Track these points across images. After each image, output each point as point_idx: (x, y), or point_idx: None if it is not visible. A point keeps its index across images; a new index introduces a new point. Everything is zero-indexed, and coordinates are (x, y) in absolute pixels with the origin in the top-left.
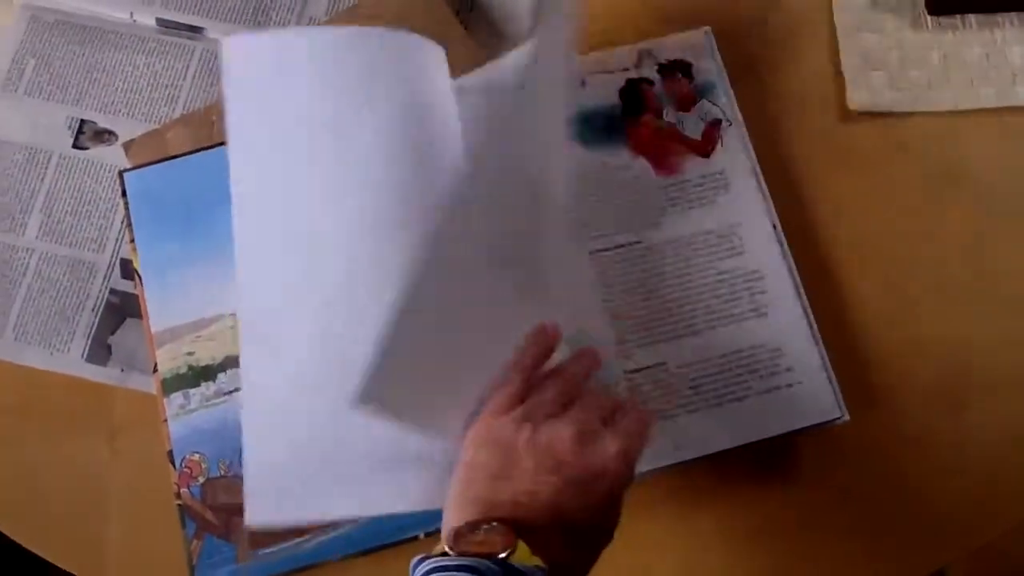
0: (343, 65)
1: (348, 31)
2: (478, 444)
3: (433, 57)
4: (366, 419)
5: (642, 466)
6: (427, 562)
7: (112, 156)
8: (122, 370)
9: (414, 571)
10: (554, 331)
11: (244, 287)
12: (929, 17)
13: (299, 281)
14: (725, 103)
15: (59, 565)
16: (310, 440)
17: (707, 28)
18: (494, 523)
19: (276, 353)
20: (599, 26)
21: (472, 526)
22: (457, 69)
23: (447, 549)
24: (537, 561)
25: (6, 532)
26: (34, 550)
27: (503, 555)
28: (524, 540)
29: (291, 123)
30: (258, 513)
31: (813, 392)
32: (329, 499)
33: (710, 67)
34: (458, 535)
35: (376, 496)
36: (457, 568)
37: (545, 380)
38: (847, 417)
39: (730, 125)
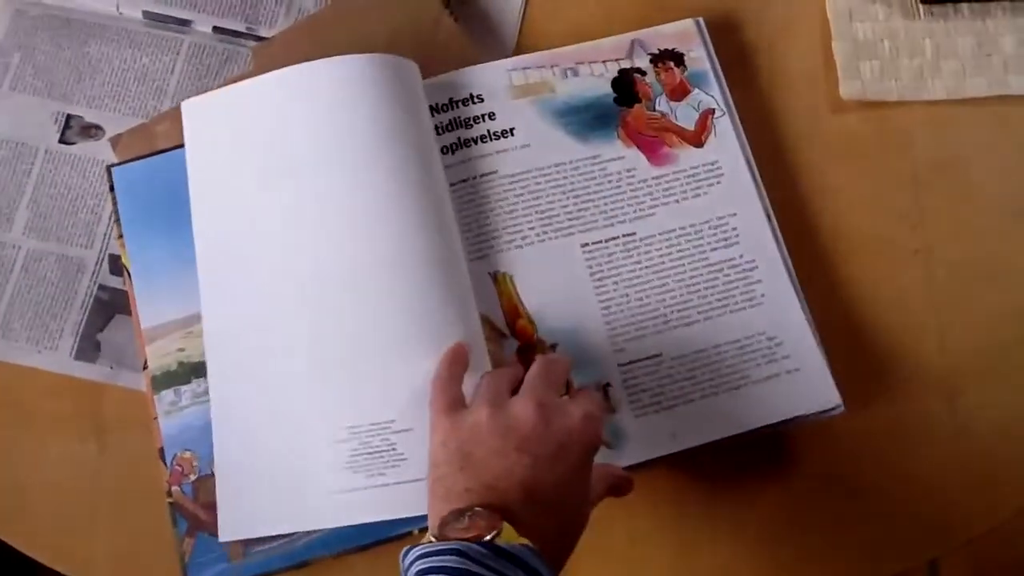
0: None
1: (298, 70)
2: (441, 438)
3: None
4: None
5: (640, 456)
6: (414, 551)
7: (99, 151)
8: (111, 367)
9: (403, 560)
10: (462, 348)
11: (206, 319)
12: (921, 6)
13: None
14: (717, 93)
15: (48, 565)
16: (278, 454)
17: (699, 17)
18: (477, 508)
19: (240, 371)
20: (591, 15)
21: (457, 514)
22: (446, 61)
23: (432, 539)
24: (524, 540)
25: None
26: (22, 550)
27: (489, 537)
28: (508, 521)
29: (250, 168)
30: (228, 530)
31: (809, 380)
32: (302, 514)
33: (702, 56)
34: (443, 523)
35: (349, 506)
36: (444, 552)
37: (489, 374)
38: (843, 407)
39: (723, 115)
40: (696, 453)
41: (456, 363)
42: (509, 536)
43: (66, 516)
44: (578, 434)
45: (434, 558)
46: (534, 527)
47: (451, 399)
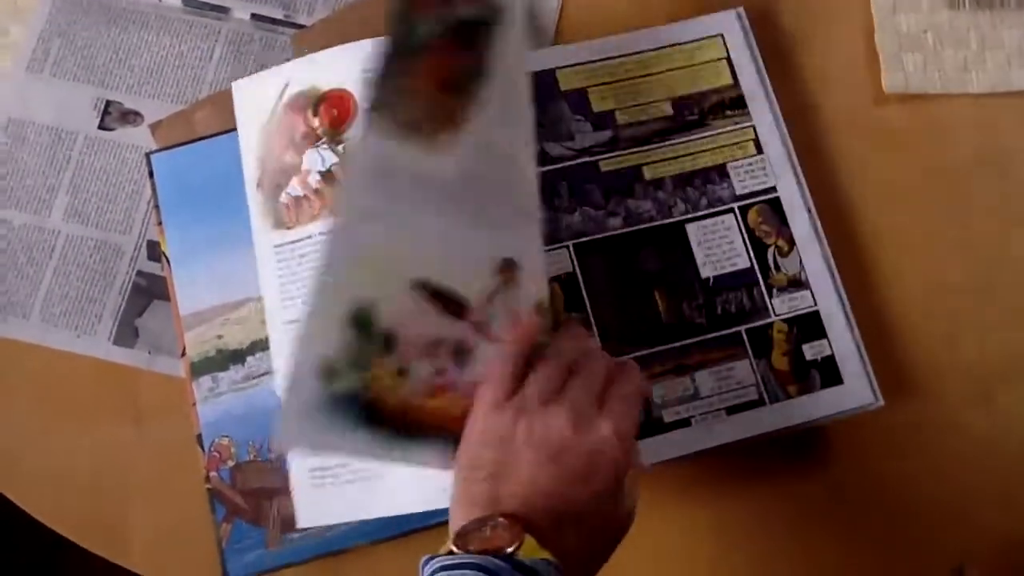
0: None
1: None
2: (475, 441)
3: None
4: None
5: (679, 450)
6: (433, 561)
7: (138, 137)
8: (149, 353)
9: (422, 570)
10: (530, 323)
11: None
12: None
13: None
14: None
15: (87, 547)
16: None
17: (739, 9)
18: (500, 518)
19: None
20: (629, 5)
21: (479, 523)
22: None
23: (453, 548)
24: (546, 554)
25: (33, 514)
26: (61, 532)
27: (510, 550)
28: (532, 534)
29: None
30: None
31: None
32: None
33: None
34: (464, 533)
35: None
36: (463, 566)
37: (536, 365)
38: (881, 402)
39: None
40: (734, 448)
41: (520, 349)
42: (531, 550)
43: (103, 501)
44: (609, 453)
45: (454, 572)
46: (558, 541)
47: (502, 392)
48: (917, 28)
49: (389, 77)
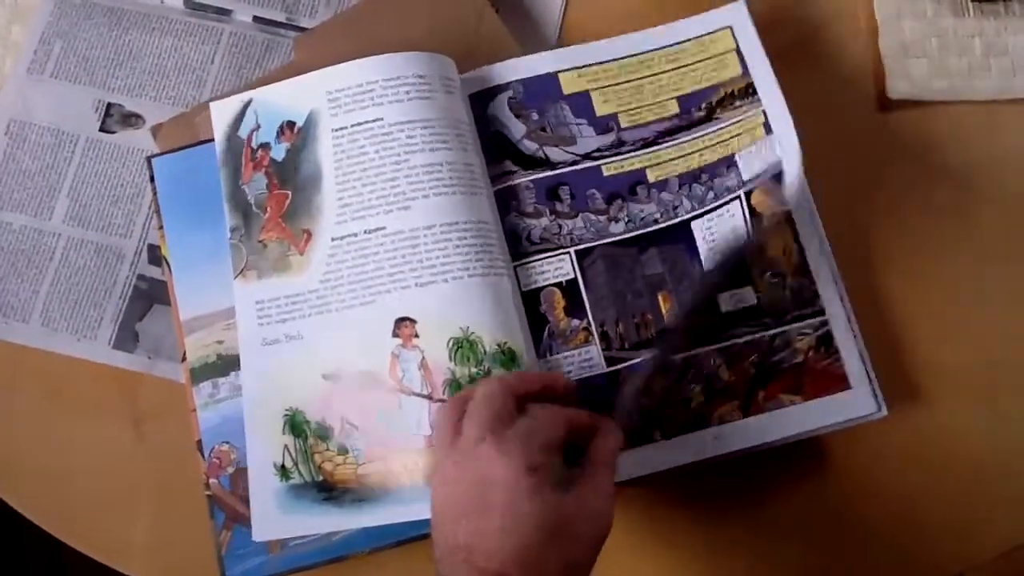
0: None
1: None
2: (439, 481)
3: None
4: None
5: (679, 459)
6: None
7: (139, 140)
8: (149, 357)
9: None
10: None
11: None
12: (971, 3)
13: None
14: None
15: (86, 553)
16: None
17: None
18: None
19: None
20: (634, 6)
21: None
22: (488, 55)
23: None
24: None
25: (33, 519)
26: (61, 537)
27: None
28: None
29: None
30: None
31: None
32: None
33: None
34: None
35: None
36: None
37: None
38: (885, 412)
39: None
40: (736, 456)
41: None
42: None
43: (102, 505)
44: (496, 476)
45: None
46: (540, 566)
47: (451, 432)
48: (921, 34)
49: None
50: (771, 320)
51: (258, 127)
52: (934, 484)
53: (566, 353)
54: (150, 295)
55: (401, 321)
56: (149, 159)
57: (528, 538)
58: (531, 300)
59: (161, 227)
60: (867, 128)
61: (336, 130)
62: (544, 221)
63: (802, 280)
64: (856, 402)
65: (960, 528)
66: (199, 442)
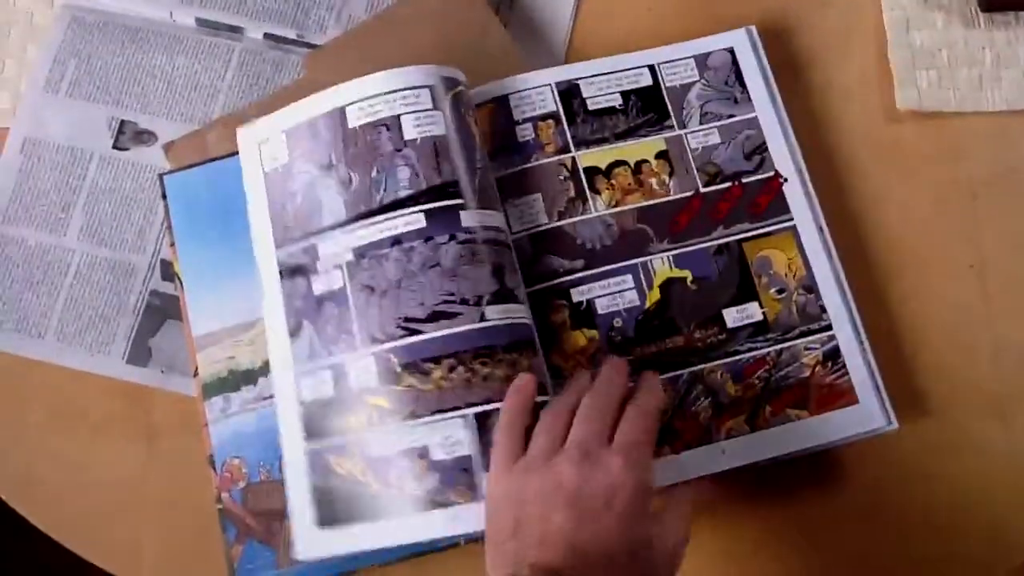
0: None
1: None
2: (492, 508)
3: None
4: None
5: (687, 473)
6: None
7: (152, 157)
8: (162, 372)
9: None
10: (524, 386)
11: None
12: (981, 14)
13: None
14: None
15: (98, 565)
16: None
17: (752, 26)
18: (526, 571)
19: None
20: (642, 23)
21: None
22: (495, 68)
23: None
24: None
25: (46, 531)
26: (73, 549)
27: None
28: None
29: None
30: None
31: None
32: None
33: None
34: None
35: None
36: None
37: (542, 416)
38: (896, 425)
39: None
40: (744, 470)
41: (519, 405)
42: None
43: (115, 518)
44: (621, 486)
45: None
46: None
47: (511, 450)
48: (931, 45)
49: None
50: (777, 335)
51: None
52: (946, 497)
53: None
54: (163, 311)
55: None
56: (161, 176)
57: (634, 544)
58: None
59: (173, 244)
60: (875, 139)
61: None
62: None
63: (808, 296)
64: (865, 416)
65: (972, 541)
66: (211, 456)
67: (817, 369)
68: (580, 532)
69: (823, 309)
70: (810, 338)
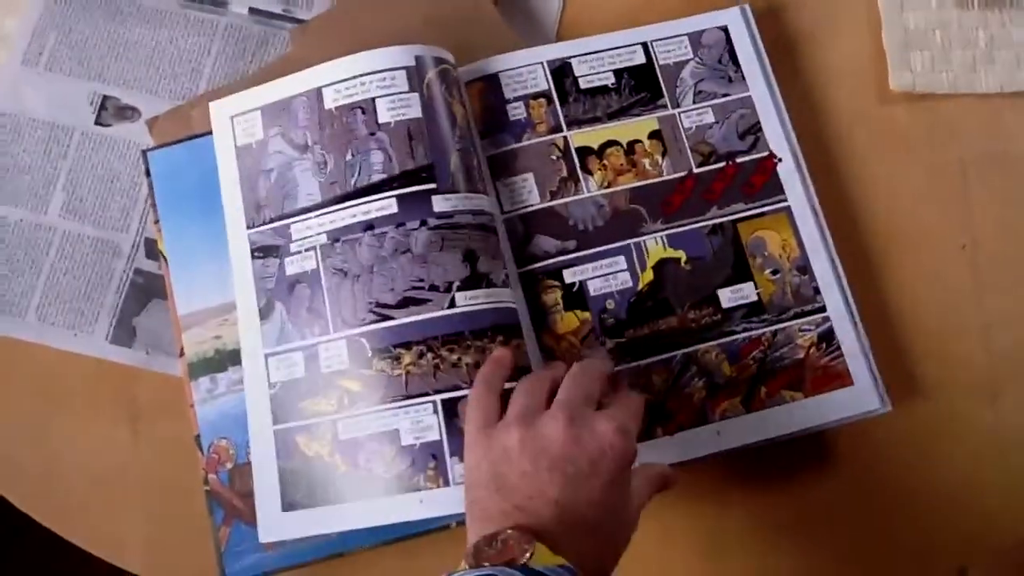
0: None
1: None
2: (473, 462)
3: None
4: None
5: (684, 454)
6: None
7: (135, 133)
8: (147, 352)
9: None
10: (501, 353)
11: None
12: None
13: None
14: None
15: (85, 548)
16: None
17: (745, 4)
18: (509, 531)
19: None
20: (635, 1)
21: (489, 539)
22: (486, 45)
23: (467, 566)
24: (560, 560)
25: (32, 514)
26: (59, 533)
27: (523, 560)
28: (543, 542)
29: None
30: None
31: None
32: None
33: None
34: (476, 550)
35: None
36: None
37: (520, 382)
38: (889, 407)
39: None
40: (738, 452)
41: (495, 373)
42: (543, 557)
43: (101, 501)
44: (610, 449)
45: None
46: (571, 546)
47: (486, 414)
48: (925, 26)
49: None
50: (772, 317)
51: None
52: (938, 478)
53: None
54: (147, 290)
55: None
56: (145, 152)
57: (613, 509)
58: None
59: (157, 221)
60: (868, 120)
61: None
62: None
63: (802, 277)
64: (860, 398)
65: (963, 522)
66: (197, 437)
67: (812, 351)
68: (566, 494)
69: (817, 291)
70: (805, 319)
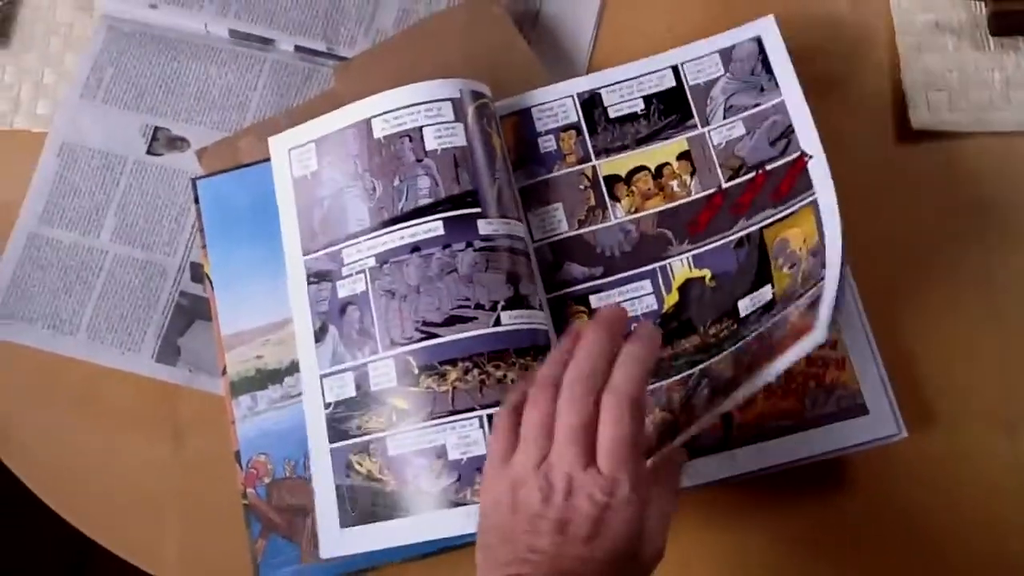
0: None
1: None
2: (488, 503)
3: None
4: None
5: (699, 479)
6: None
7: (184, 163)
8: (190, 371)
9: None
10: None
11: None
12: (991, 38)
13: None
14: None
15: (124, 558)
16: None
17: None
18: None
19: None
20: (663, 36)
21: None
22: (519, 82)
23: None
24: None
25: (75, 524)
26: (101, 542)
27: None
28: None
29: None
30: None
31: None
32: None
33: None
34: None
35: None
36: None
37: (527, 415)
38: (905, 434)
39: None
40: (754, 475)
41: (515, 399)
42: None
43: (141, 512)
44: (605, 509)
45: None
46: None
47: (502, 448)
48: (943, 67)
49: None
50: (781, 307)
51: None
52: (951, 508)
53: None
54: (192, 311)
55: None
56: (194, 181)
57: (619, 562)
58: None
59: (204, 246)
60: (888, 159)
61: None
62: None
63: (813, 259)
64: (875, 423)
65: (976, 553)
66: (237, 453)
67: (795, 318)
68: (563, 559)
69: (823, 266)
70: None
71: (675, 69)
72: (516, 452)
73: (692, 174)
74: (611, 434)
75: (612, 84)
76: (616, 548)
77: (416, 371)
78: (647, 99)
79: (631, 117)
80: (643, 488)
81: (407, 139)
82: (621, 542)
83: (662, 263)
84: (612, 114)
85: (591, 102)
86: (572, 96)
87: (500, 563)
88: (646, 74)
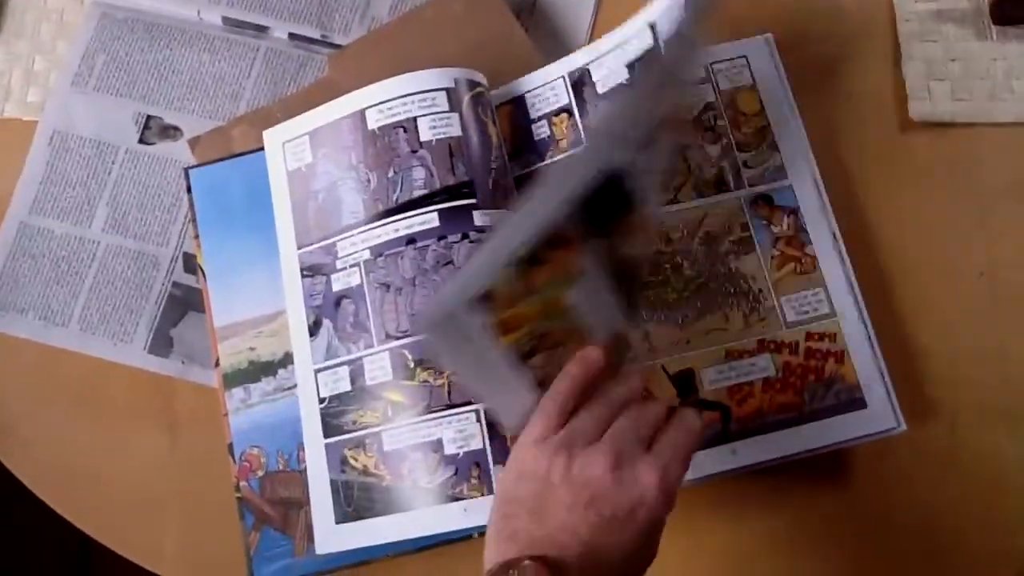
0: None
1: None
2: (515, 475)
3: None
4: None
5: (698, 472)
6: None
7: (177, 152)
8: (183, 363)
9: None
10: (597, 357)
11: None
12: (994, 27)
13: None
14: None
15: (118, 552)
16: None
17: (768, 35)
18: (527, 562)
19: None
20: None
21: (505, 566)
22: (515, 70)
23: None
24: None
25: (68, 518)
26: (95, 536)
27: None
28: None
29: None
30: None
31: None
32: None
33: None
34: None
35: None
36: None
37: (587, 403)
38: (904, 427)
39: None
40: (753, 468)
41: (571, 386)
42: None
43: (135, 505)
44: (650, 502)
45: None
46: None
47: (546, 428)
48: (944, 57)
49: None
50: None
51: None
52: (951, 502)
53: None
54: (184, 302)
55: None
56: (186, 170)
57: (641, 554)
58: None
59: (197, 236)
60: (889, 149)
61: None
62: None
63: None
64: (876, 417)
65: (976, 547)
66: (230, 445)
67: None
68: (598, 536)
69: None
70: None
71: (652, 27)
72: (571, 425)
73: None
74: (670, 441)
75: (598, 58)
76: (644, 537)
77: (411, 365)
78: (630, 66)
79: (617, 90)
80: (674, 498)
81: (402, 130)
82: (649, 534)
83: None
84: (600, 89)
85: (580, 81)
86: (563, 77)
87: (522, 538)
88: (628, 39)
